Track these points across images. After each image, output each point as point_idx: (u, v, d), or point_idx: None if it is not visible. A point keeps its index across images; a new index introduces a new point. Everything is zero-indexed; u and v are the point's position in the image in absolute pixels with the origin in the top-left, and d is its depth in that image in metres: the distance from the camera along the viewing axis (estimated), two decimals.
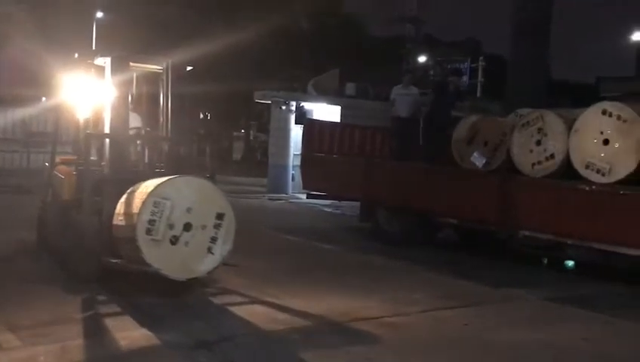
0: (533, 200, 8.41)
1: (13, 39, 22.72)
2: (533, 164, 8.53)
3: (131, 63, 7.29)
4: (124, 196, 6.32)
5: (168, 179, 6.16)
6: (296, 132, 16.76)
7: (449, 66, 33.66)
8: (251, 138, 39.72)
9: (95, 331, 5.42)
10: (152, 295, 6.34)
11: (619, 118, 7.76)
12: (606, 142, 7.83)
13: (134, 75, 7.54)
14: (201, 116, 35.91)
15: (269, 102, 18.72)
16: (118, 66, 7.09)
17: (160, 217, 5.86)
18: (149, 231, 5.83)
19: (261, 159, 30.53)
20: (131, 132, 7.47)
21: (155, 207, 5.86)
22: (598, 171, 7.82)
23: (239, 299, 6.58)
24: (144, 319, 5.65)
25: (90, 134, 7.39)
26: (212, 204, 6.18)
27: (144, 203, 5.86)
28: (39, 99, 20.01)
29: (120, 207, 6.29)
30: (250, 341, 5.30)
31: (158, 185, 6.03)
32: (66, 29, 22.52)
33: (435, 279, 7.99)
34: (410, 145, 11.37)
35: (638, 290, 7.74)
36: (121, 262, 6.33)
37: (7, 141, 20.88)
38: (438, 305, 6.67)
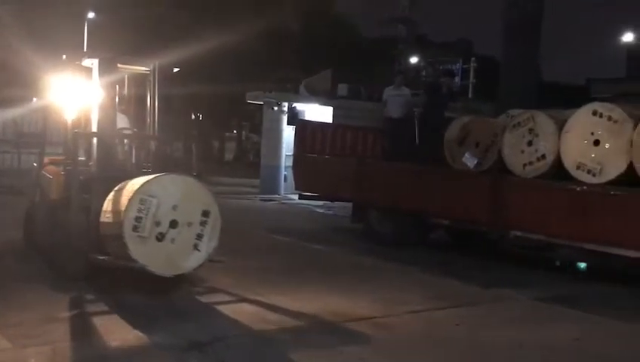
0: (524, 201, 8.44)
1: (3, 40, 22.60)
2: (525, 165, 8.56)
3: (119, 65, 7.38)
4: (112, 194, 6.40)
5: (155, 177, 6.26)
6: (288, 133, 16.75)
7: (441, 67, 33.78)
8: (243, 139, 39.70)
9: (85, 332, 5.40)
10: (140, 293, 6.35)
11: (609, 118, 7.79)
12: (597, 142, 7.86)
13: (122, 76, 7.61)
14: (193, 117, 35.85)
15: (261, 102, 18.71)
16: (105, 68, 7.17)
17: (146, 214, 5.94)
18: (135, 228, 5.91)
19: (253, 160, 30.51)
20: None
21: (142, 204, 5.94)
22: (589, 172, 7.86)
23: (230, 299, 6.58)
24: (134, 319, 5.64)
25: (78, 133, 7.43)
26: (198, 201, 6.27)
27: (131, 200, 5.94)
28: (30, 100, 19.93)
29: (107, 205, 6.37)
30: (242, 341, 5.29)
31: (145, 182, 6.12)
32: (57, 29, 22.43)
33: (426, 279, 8.01)
34: (402, 146, 11.39)
35: (629, 290, 7.77)
36: (108, 259, 6.40)
37: None
38: (429, 306, 6.68)
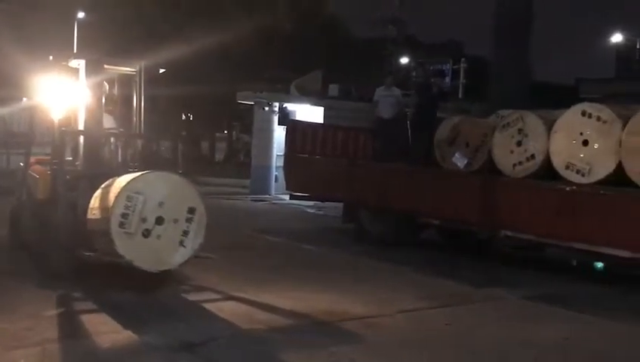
0: (513, 201, 8.48)
1: None
2: (514, 165, 8.60)
3: (105, 66, 7.50)
4: (99, 191, 6.50)
5: (141, 175, 6.38)
6: (279, 133, 16.73)
7: (431, 68, 33.86)
8: (234, 139, 39.62)
9: (75, 332, 5.39)
10: (127, 291, 6.39)
11: (598, 119, 7.85)
12: (586, 142, 7.92)
13: (109, 76, 7.73)
14: (184, 117, 35.74)
15: (252, 103, 18.68)
16: (92, 69, 7.29)
17: (133, 211, 6.07)
18: (122, 225, 6.03)
19: (244, 160, 30.44)
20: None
21: (129, 201, 6.07)
22: (578, 172, 7.91)
23: (220, 299, 6.58)
24: (123, 318, 5.64)
25: (65, 131, 7.50)
26: (184, 198, 6.39)
27: (118, 197, 6.06)
28: (20, 100, 19.81)
29: (94, 202, 6.47)
30: (233, 342, 5.29)
31: (131, 180, 6.24)
32: (47, 29, 22.32)
33: (417, 279, 8.03)
34: (393, 146, 11.41)
35: (618, 290, 7.83)
36: (95, 255, 6.50)
37: None
38: (420, 305, 6.70)
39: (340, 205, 11.63)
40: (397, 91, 12.77)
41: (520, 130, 8.59)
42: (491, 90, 14.41)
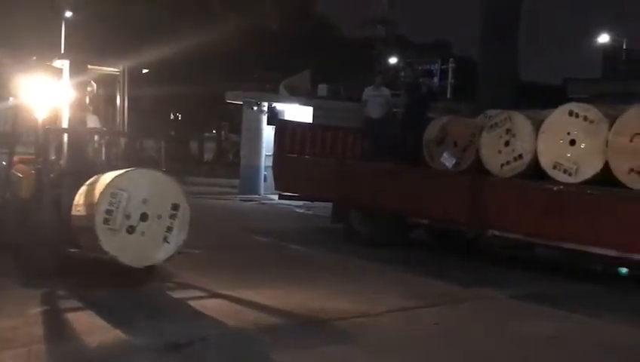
0: (501, 200, 8.52)
1: None
2: (502, 165, 8.64)
3: (89, 66, 7.55)
4: (83, 188, 6.58)
5: (125, 172, 6.46)
6: (268, 133, 16.71)
7: (419, 68, 33.92)
8: (223, 139, 39.53)
9: (61, 333, 5.37)
10: (112, 289, 6.42)
11: (585, 118, 7.89)
12: (573, 142, 7.96)
13: (93, 77, 7.80)
14: (172, 117, 35.63)
15: (241, 102, 18.66)
16: (76, 69, 7.35)
17: (117, 207, 6.16)
18: (106, 221, 6.13)
19: (233, 160, 30.39)
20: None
21: (113, 197, 6.16)
22: (565, 171, 7.95)
23: (208, 298, 6.58)
24: (109, 318, 5.63)
25: (49, 129, 7.53)
26: (167, 195, 6.49)
27: (102, 194, 6.15)
28: (6, 100, 19.64)
29: (78, 199, 6.55)
30: (221, 342, 5.27)
31: (116, 177, 6.33)
32: (34, 29, 22.15)
33: (406, 279, 8.04)
34: (382, 146, 11.43)
35: (605, 288, 7.88)
36: (79, 251, 6.57)
37: None
38: (409, 305, 6.72)
39: (329, 205, 11.63)
40: (386, 91, 12.80)
41: (508, 130, 8.63)
42: (479, 91, 14.45)
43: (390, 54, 38.22)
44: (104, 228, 6.10)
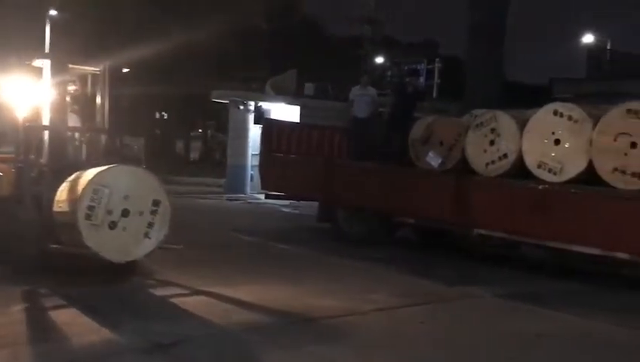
0: (486, 200, 8.57)
1: None
2: (487, 164, 8.68)
3: (70, 65, 7.60)
4: (64, 184, 6.65)
5: (107, 168, 6.56)
6: (254, 132, 16.70)
7: (406, 68, 34.02)
8: (209, 138, 39.42)
9: (45, 332, 5.33)
10: (95, 286, 6.45)
11: (570, 118, 7.96)
12: (557, 142, 8.02)
13: (74, 76, 7.92)
14: (157, 116, 35.47)
15: (227, 101, 18.62)
16: (56, 68, 7.38)
17: (99, 203, 6.27)
18: (88, 217, 6.23)
19: (219, 159, 30.30)
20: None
21: (95, 193, 6.27)
22: (549, 170, 8.01)
23: (194, 297, 6.56)
24: (94, 316, 5.62)
25: (30, 127, 7.56)
26: (148, 191, 6.60)
27: (84, 190, 6.25)
28: None
29: (60, 195, 6.63)
30: (208, 342, 5.25)
31: (98, 173, 6.43)
32: (16, 27, 21.96)
33: (392, 278, 8.06)
34: (369, 145, 11.45)
35: (590, 287, 7.94)
36: (61, 248, 6.60)
37: None
38: (395, 304, 6.73)
39: (316, 204, 11.63)
40: (372, 90, 12.82)
41: (493, 130, 8.68)
42: (465, 90, 14.51)
43: (377, 54, 38.30)
44: (86, 224, 6.21)
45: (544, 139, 8.13)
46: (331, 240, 10.50)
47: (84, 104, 8.18)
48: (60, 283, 6.50)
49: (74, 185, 6.52)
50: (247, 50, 27.85)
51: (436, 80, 34.01)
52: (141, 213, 6.49)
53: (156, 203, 6.57)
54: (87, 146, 8.17)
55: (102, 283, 6.54)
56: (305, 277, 7.74)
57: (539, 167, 8.11)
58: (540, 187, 8.05)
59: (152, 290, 6.85)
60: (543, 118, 8.26)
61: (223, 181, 18.73)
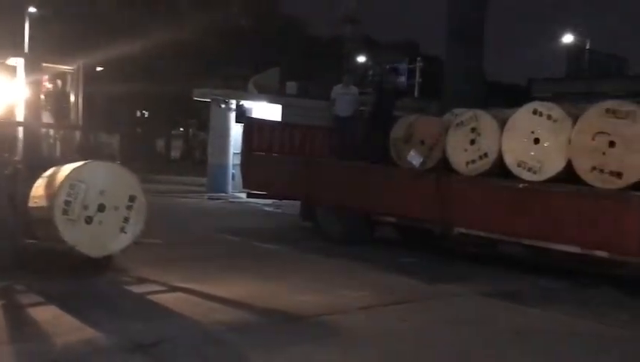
0: (467, 198, 8.62)
1: None
2: (468, 163, 8.73)
3: (44, 64, 7.63)
4: (40, 180, 6.73)
5: (83, 164, 6.63)
6: (236, 131, 16.65)
7: (387, 66, 34.14)
8: (190, 137, 39.26)
9: (22, 331, 5.28)
10: (72, 282, 6.47)
11: (549, 117, 8.02)
12: (537, 141, 8.08)
13: (49, 74, 7.94)
14: (138, 114, 35.25)
15: (209, 100, 18.54)
16: (30, 67, 7.40)
17: (75, 199, 6.35)
18: (65, 212, 6.31)
19: (200, 158, 30.19)
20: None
21: (71, 189, 6.36)
22: (529, 169, 8.07)
23: (175, 296, 6.53)
24: (72, 314, 5.60)
25: (3, 123, 7.61)
26: (124, 187, 6.71)
27: (61, 185, 6.33)
28: None
29: (36, 191, 6.69)
30: (188, 342, 5.22)
31: (74, 168, 6.50)
32: None
33: (374, 276, 8.08)
34: (350, 144, 11.47)
35: (569, 285, 8.02)
36: (37, 243, 6.67)
37: None
38: (376, 302, 6.75)
39: (298, 203, 11.63)
40: (354, 89, 12.85)
41: (474, 129, 8.72)
42: (446, 89, 14.60)
43: (359, 53, 38.40)
44: (63, 219, 6.28)
45: (524, 138, 8.18)
46: (314, 239, 10.51)
47: (58, 102, 8.19)
48: (37, 278, 6.51)
49: (50, 180, 6.58)
50: (229, 48, 27.77)
51: (417, 79, 34.17)
52: (117, 208, 6.59)
53: (132, 198, 6.68)
54: (61, 143, 8.21)
55: (79, 279, 6.57)
56: (286, 275, 7.74)
57: (518, 166, 8.17)
58: (520, 186, 8.10)
59: (131, 288, 6.85)
60: (523, 117, 8.32)
61: (204, 180, 18.65)
